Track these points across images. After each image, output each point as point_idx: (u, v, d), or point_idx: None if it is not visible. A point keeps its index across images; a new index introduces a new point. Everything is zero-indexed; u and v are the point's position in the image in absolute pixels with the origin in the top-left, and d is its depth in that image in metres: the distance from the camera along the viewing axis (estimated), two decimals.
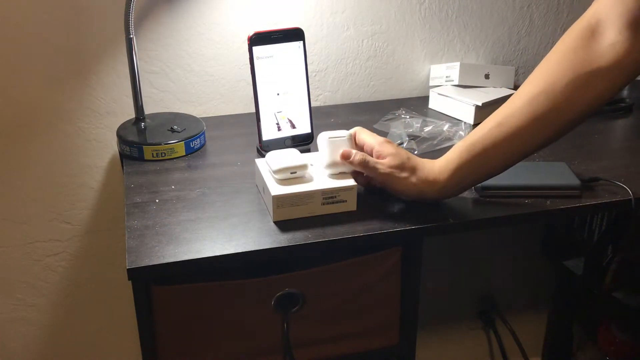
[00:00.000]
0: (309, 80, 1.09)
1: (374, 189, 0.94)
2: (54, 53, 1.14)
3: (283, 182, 0.90)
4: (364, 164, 0.90)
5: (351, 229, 0.87)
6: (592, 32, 0.82)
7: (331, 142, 0.93)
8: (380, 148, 0.91)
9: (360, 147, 0.94)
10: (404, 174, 0.89)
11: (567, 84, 0.82)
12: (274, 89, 1.05)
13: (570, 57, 0.82)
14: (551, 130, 0.85)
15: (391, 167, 0.89)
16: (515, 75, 1.36)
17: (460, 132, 1.13)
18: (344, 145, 0.92)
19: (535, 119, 0.84)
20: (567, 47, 0.83)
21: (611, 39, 0.81)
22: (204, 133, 1.13)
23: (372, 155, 0.92)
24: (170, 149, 1.07)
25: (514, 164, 0.89)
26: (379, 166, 0.89)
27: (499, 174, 0.90)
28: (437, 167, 0.89)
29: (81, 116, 1.20)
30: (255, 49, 1.02)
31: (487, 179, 0.91)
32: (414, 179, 0.89)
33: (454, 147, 0.89)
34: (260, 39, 1.02)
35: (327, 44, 1.28)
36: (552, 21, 1.40)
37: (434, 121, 1.18)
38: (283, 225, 0.88)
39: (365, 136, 0.94)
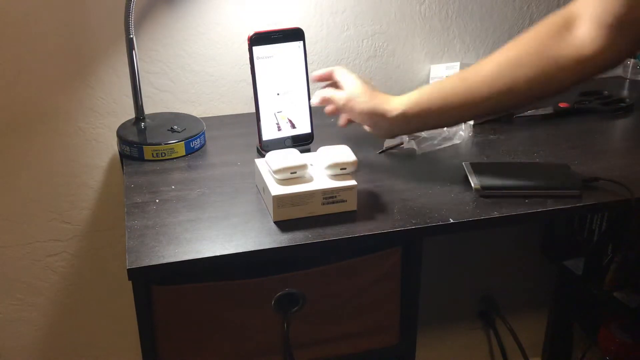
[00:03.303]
0: (309, 80, 1.09)
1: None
2: (53, 53, 1.14)
3: (283, 182, 0.90)
4: (326, 98, 1.00)
5: (351, 229, 0.87)
6: (568, 24, 0.86)
7: (332, 146, 0.95)
8: (347, 80, 0.99)
9: (335, 85, 1.03)
10: (362, 99, 0.97)
11: (532, 61, 0.88)
12: (274, 89, 1.05)
13: (543, 39, 0.88)
14: (508, 100, 0.92)
15: (350, 92, 0.98)
16: None
17: (460, 132, 1.13)
18: (343, 149, 0.95)
19: (496, 86, 0.90)
20: (541, 31, 0.89)
21: (583, 34, 0.85)
22: (204, 133, 1.13)
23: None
24: (170, 149, 1.07)
25: (465, 120, 1.01)
26: (341, 94, 0.99)
27: (449, 126, 1.02)
28: (395, 101, 0.96)
29: (81, 116, 1.20)
30: (255, 49, 1.02)
31: (436, 127, 1.01)
32: (369, 105, 0.96)
33: (420, 87, 0.97)
34: (260, 39, 1.02)
35: (327, 44, 1.28)
36: None
37: None
38: (283, 225, 0.88)
39: (337, 76, 1.02)
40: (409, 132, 1.01)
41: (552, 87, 0.90)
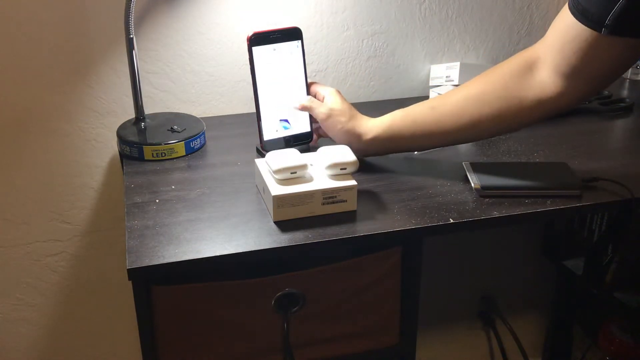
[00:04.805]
0: (310, 80, 1.09)
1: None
2: (53, 53, 1.14)
3: (283, 182, 0.90)
4: (307, 106, 1.03)
5: (351, 229, 0.87)
6: (531, 66, 0.93)
7: (332, 146, 0.95)
8: (329, 96, 1.03)
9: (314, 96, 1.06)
10: (342, 119, 1.00)
11: (496, 99, 0.93)
12: (274, 88, 1.05)
13: (507, 78, 0.94)
14: (473, 134, 0.98)
15: (332, 108, 1.01)
16: None
17: None
18: (343, 149, 0.95)
19: (461, 120, 0.95)
20: (506, 70, 0.95)
21: (543, 78, 0.92)
22: (204, 133, 1.13)
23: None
24: (170, 149, 1.07)
25: (437, 147, 1.04)
26: (323, 109, 1.01)
27: (421, 150, 1.06)
28: (369, 124, 1.00)
29: (81, 116, 1.20)
30: (254, 49, 1.02)
31: (410, 151, 1.04)
32: (347, 126, 0.99)
33: (394, 111, 1.00)
34: (259, 39, 1.02)
35: (327, 44, 1.28)
36: (551, 21, 1.39)
37: None
38: (283, 225, 0.88)
39: (318, 87, 1.06)
40: (383, 153, 1.03)
41: (514, 123, 0.96)
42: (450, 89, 1.28)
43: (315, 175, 0.92)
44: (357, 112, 1.02)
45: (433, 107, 0.98)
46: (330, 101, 1.02)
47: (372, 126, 1.00)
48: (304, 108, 1.05)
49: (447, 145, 1.05)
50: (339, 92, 1.04)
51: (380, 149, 1.02)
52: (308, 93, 1.07)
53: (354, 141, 0.99)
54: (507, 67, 0.95)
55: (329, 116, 1.01)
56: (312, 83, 1.07)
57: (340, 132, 1.00)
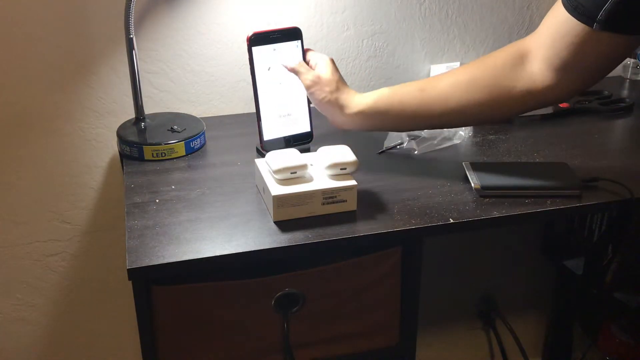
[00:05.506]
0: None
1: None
2: (53, 53, 1.14)
3: (283, 182, 0.90)
4: (296, 69, 1.02)
5: (351, 229, 0.87)
6: (522, 57, 0.93)
7: (332, 146, 0.95)
8: (321, 64, 1.02)
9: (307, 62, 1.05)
10: (327, 88, 0.99)
11: (485, 87, 0.94)
12: (274, 88, 1.05)
13: (497, 67, 0.94)
14: (459, 119, 0.98)
15: (319, 76, 1.00)
16: None
17: (460, 132, 1.13)
18: (343, 149, 0.94)
19: (449, 104, 0.95)
20: (497, 60, 0.95)
21: (534, 70, 0.91)
22: (204, 133, 1.13)
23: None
24: (170, 149, 1.07)
25: (421, 129, 1.05)
26: (309, 75, 1.00)
27: (406, 131, 1.07)
28: (355, 99, 0.99)
29: (81, 116, 1.20)
30: (254, 49, 1.02)
31: (393, 130, 1.06)
32: (331, 97, 0.99)
33: (381, 89, 0.99)
34: (259, 39, 1.02)
35: (327, 44, 1.28)
36: None
37: None
38: (283, 225, 0.88)
39: (313, 55, 1.05)
40: (365, 130, 1.02)
41: (501, 113, 0.96)
42: None
43: (315, 175, 0.92)
44: (346, 85, 1.01)
45: (421, 89, 0.97)
46: (319, 69, 1.01)
47: (357, 102, 0.99)
48: (292, 70, 1.03)
49: (431, 129, 1.05)
50: (332, 61, 1.02)
51: (363, 125, 1.01)
52: (304, 59, 1.06)
53: (336, 113, 0.99)
54: (498, 57, 0.95)
55: (315, 84, 1.00)
56: (308, 50, 1.06)
57: (323, 102, 1.00)
